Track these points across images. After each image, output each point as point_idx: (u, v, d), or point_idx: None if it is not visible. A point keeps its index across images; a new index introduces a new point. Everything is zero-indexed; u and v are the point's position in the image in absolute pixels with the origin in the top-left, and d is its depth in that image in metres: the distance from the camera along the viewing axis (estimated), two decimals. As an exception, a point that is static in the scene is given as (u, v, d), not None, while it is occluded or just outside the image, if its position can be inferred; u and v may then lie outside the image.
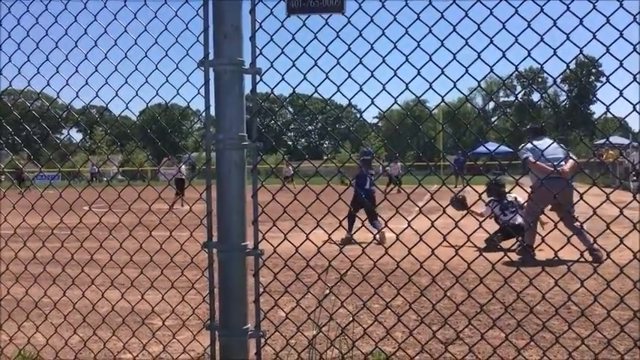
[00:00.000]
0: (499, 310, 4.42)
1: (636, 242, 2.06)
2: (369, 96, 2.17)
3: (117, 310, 2.98)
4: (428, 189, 2.29)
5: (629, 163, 22.45)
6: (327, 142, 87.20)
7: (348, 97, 2.21)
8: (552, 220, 2.37)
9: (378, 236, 8.30)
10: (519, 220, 8.74)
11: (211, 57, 2.09)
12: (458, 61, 2.07)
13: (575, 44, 1.96)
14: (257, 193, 2.17)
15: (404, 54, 2.08)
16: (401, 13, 2.10)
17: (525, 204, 8.23)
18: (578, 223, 6.81)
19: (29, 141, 2.95)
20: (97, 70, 2.44)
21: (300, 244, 2.21)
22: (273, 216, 2.24)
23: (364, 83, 2.14)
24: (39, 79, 2.57)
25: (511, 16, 2.01)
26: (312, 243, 2.22)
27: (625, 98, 1.90)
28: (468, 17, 2.03)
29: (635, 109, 1.87)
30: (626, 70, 1.90)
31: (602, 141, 18.83)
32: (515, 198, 8.88)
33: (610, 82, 2.01)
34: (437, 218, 2.15)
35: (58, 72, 2.50)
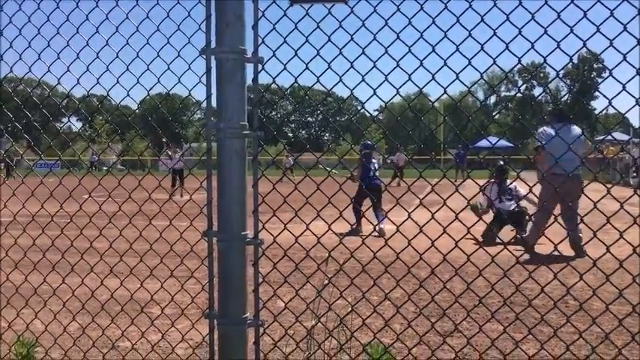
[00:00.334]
0: (498, 304, 4.43)
1: (636, 237, 2.06)
2: (371, 86, 2.15)
3: (116, 298, 2.99)
4: (429, 182, 2.28)
5: (629, 159, 22.43)
6: (327, 134, 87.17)
7: (350, 87, 2.20)
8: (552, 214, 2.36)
9: (377, 228, 8.38)
10: (513, 206, 8.76)
11: (213, 45, 2.07)
12: (461, 53, 2.05)
13: (579, 37, 1.95)
14: (257, 183, 2.17)
15: (407, 45, 2.07)
16: (404, 4, 2.09)
17: (537, 201, 7.73)
18: (577, 219, 6.77)
19: (29, 128, 2.94)
20: (98, 57, 2.42)
21: (300, 235, 2.21)
22: (273, 206, 2.23)
23: (366, 74, 2.14)
24: (39, 65, 2.57)
25: (515, 8, 2.00)
26: (312, 233, 2.22)
27: (628, 92, 1.90)
28: (472, 9, 2.02)
29: (637, 103, 1.86)
30: (630, 64, 1.89)
31: (603, 137, 18.81)
32: (515, 187, 8.87)
33: (613, 76, 2.00)
34: (437, 210, 2.14)
35: (59, 58, 2.49)
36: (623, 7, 1.96)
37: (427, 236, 2.10)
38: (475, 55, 2.08)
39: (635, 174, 19.66)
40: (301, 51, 2.23)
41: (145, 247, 2.79)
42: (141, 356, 3.08)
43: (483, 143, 29.05)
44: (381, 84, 2.13)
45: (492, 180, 9.08)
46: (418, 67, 2.10)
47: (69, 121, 3.61)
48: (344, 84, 2.20)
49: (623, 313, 3.97)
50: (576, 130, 7.15)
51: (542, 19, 1.97)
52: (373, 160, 10.25)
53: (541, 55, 2.01)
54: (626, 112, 2.05)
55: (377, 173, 10.25)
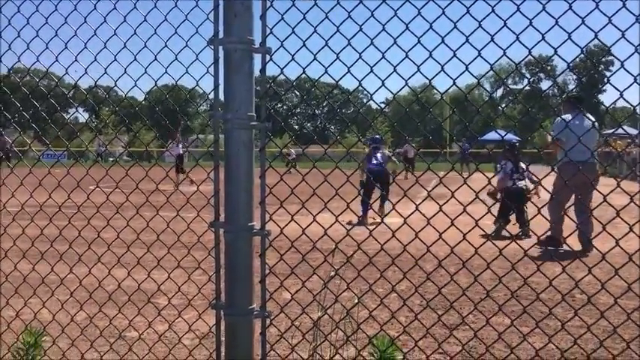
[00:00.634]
0: (504, 297, 4.42)
1: (645, 231, 2.04)
2: (379, 77, 2.14)
3: (123, 289, 3.00)
4: (437, 174, 2.27)
5: (636, 153, 22.29)
6: (333, 127, 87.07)
7: (358, 78, 2.19)
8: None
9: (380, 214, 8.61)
10: (522, 184, 8.70)
11: (221, 35, 2.06)
12: (470, 44, 2.04)
13: (590, 28, 1.93)
14: (265, 174, 2.16)
15: (416, 35, 2.05)
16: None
17: (551, 194, 7.28)
18: (589, 211, 6.67)
19: (36, 119, 2.94)
20: (105, 47, 2.42)
21: (307, 226, 2.21)
22: (280, 198, 2.23)
23: (375, 64, 2.12)
24: (47, 54, 2.56)
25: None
26: (320, 225, 2.22)
27: (640, 84, 1.87)
28: (492, 11, 2.00)
29: (649, 96, 1.84)
30: (642, 56, 1.87)
31: (612, 130, 18.69)
32: (526, 167, 8.81)
33: (625, 68, 1.97)
34: (444, 203, 2.13)
35: (66, 48, 2.48)
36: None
37: (435, 229, 2.09)
38: (485, 46, 2.06)
39: (643, 168, 19.56)
40: (309, 42, 2.22)
41: (152, 238, 2.79)
42: (147, 346, 3.09)
43: (490, 136, 28.93)
44: (389, 75, 2.12)
45: (504, 160, 8.99)
46: (427, 59, 2.08)
47: (76, 111, 3.61)
48: (352, 75, 2.19)
49: (631, 307, 3.96)
50: (589, 118, 7.04)
51: (552, 9, 1.95)
52: (380, 152, 10.63)
53: (552, 47, 1.98)
54: (637, 104, 2.03)
55: (382, 164, 10.51)
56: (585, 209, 6.71)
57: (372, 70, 2.14)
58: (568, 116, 6.91)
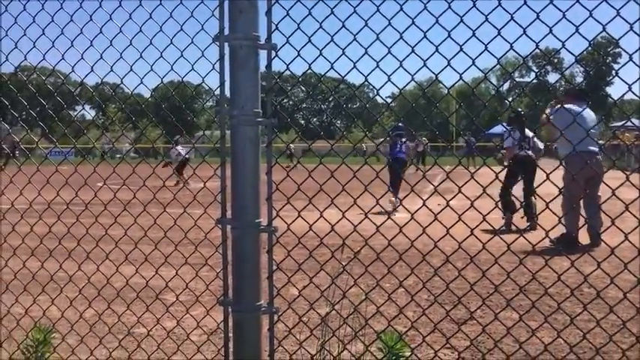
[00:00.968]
0: (512, 292, 4.41)
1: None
2: (385, 73, 2.13)
3: (131, 285, 3.01)
4: (443, 169, 2.27)
5: (645, 146, 22.15)
6: (339, 122, 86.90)
7: (364, 73, 2.18)
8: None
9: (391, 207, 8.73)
10: (530, 153, 8.61)
11: (227, 32, 2.06)
12: (477, 38, 2.03)
13: (598, 21, 1.91)
14: (271, 170, 2.16)
15: (422, 30, 2.04)
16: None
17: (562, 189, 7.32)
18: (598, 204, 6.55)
19: (43, 117, 2.94)
20: (111, 44, 2.42)
21: (314, 222, 2.21)
22: (287, 194, 2.23)
23: (381, 59, 2.11)
24: (53, 53, 2.57)
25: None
26: (327, 221, 2.22)
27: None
28: (499, 4, 1.99)
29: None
30: (651, 48, 1.85)
31: (620, 123, 18.59)
32: (533, 137, 8.72)
33: (633, 61, 1.96)
34: (452, 198, 2.13)
35: (72, 46, 2.49)
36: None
37: (442, 224, 2.09)
38: (492, 40, 2.05)
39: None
40: (315, 37, 2.21)
41: (159, 235, 2.80)
42: (156, 342, 3.10)
43: (497, 130, 28.80)
44: (395, 70, 2.11)
45: (513, 127, 8.87)
46: (434, 53, 2.07)
47: (83, 108, 3.62)
48: (358, 70, 2.18)
49: (640, 301, 3.94)
50: (590, 111, 6.94)
51: (560, 2, 1.94)
52: (403, 140, 11.34)
53: (559, 40, 1.97)
54: (647, 97, 2.01)
55: (405, 153, 11.29)
56: (594, 202, 6.64)
57: (377, 66, 2.13)
58: (570, 106, 6.81)
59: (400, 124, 12.15)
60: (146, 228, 2.79)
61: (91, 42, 2.49)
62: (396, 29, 2.07)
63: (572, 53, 2.08)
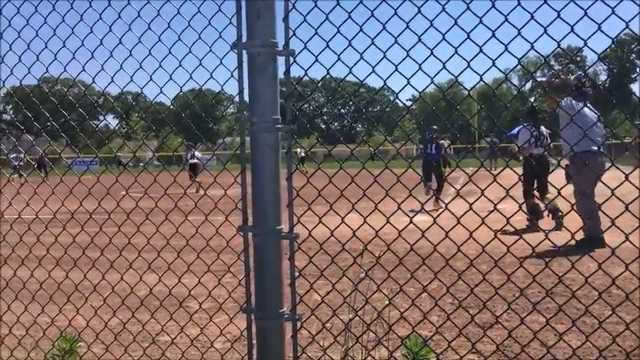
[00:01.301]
0: (538, 294, 4.34)
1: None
2: (404, 76, 2.11)
3: (154, 294, 3.02)
4: (465, 172, 2.24)
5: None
6: (360, 126, 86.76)
7: (383, 77, 2.16)
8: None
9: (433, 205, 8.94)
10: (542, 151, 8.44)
11: (244, 39, 2.06)
12: (497, 39, 2.00)
13: (621, 18, 1.87)
14: (292, 177, 2.15)
15: (440, 32, 2.02)
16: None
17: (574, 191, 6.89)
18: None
19: (67, 127, 2.98)
20: (131, 55, 2.44)
21: (335, 228, 2.20)
22: (307, 199, 2.22)
23: (400, 63, 2.09)
24: (73, 64, 2.59)
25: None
26: (348, 227, 2.20)
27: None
28: (519, 4, 1.96)
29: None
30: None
31: (645, 121, 18.24)
32: (549, 133, 8.57)
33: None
34: (475, 201, 2.10)
35: (93, 57, 2.52)
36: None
37: (465, 228, 2.06)
38: (512, 40, 2.02)
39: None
40: (333, 42, 2.20)
41: (181, 243, 2.81)
42: (180, 350, 3.11)
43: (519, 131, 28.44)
44: (414, 73, 2.10)
45: (528, 123, 8.65)
46: (453, 55, 2.04)
47: (104, 118, 3.66)
48: (377, 74, 2.17)
49: (671, 302, 3.85)
50: (594, 111, 6.80)
51: (581, 2, 1.91)
52: (436, 142, 12.00)
53: (581, 39, 1.93)
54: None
55: (437, 154, 11.86)
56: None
57: (396, 69, 2.11)
58: (575, 103, 6.65)
59: (434, 126, 12.56)
60: (168, 236, 2.81)
61: (111, 53, 2.52)
62: (414, 32, 2.06)
63: (594, 51, 2.04)
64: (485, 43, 1.99)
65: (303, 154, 27.35)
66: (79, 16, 2.52)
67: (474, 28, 2.01)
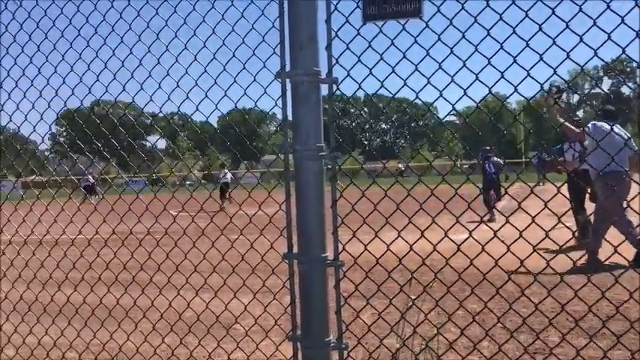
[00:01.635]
0: (592, 319, 4.16)
1: None
2: (449, 102, 2.09)
3: (201, 320, 3.04)
4: (511, 188, 2.18)
5: None
6: (402, 142, 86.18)
7: (428, 101, 2.15)
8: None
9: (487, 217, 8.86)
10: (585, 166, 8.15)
11: (288, 68, 2.08)
12: (544, 62, 1.95)
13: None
14: (336, 204, 2.14)
15: (486, 57, 1.99)
16: (481, 13, 2.01)
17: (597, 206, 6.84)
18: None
19: (119, 149, 3.03)
20: (178, 86, 2.50)
21: (381, 256, 2.17)
22: (352, 222, 2.19)
23: (444, 89, 2.06)
24: (119, 89, 2.67)
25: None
26: (394, 254, 2.17)
27: None
28: (555, 15, 1.93)
29: None
30: None
31: None
32: (585, 150, 8.26)
33: None
34: (526, 227, 2.04)
35: (142, 89, 2.59)
36: None
37: (515, 255, 2.00)
38: (562, 62, 1.96)
39: None
40: (376, 68, 2.20)
41: (225, 264, 2.82)
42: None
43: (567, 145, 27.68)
44: (459, 99, 2.07)
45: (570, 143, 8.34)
46: (499, 80, 2.01)
47: (154, 144, 3.75)
48: (421, 100, 2.15)
49: None
50: (621, 133, 6.65)
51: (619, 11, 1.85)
52: (493, 160, 12.97)
53: (619, 47, 1.86)
54: None
55: (495, 173, 12.80)
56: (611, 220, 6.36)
57: (441, 95, 2.08)
58: (602, 125, 6.53)
59: (487, 147, 13.46)
60: (211, 257, 2.81)
61: (159, 84, 2.59)
62: (458, 57, 2.03)
63: (636, 62, 1.97)
64: (532, 67, 1.95)
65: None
66: (129, 49, 2.60)
67: (521, 51, 1.97)
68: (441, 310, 3.38)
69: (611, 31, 1.87)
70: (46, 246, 3.31)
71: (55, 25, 2.73)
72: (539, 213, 1.96)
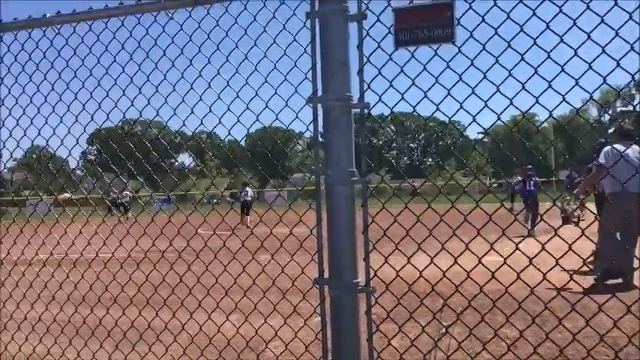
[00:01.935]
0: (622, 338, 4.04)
1: None
2: (482, 126, 2.08)
3: (231, 344, 3.03)
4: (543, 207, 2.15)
5: None
6: (430, 160, 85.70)
7: (461, 125, 2.14)
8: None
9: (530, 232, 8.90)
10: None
11: (320, 93, 2.09)
12: (567, 73, 1.94)
13: None
14: (368, 229, 2.13)
15: (520, 82, 1.97)
16: (515, 40, 2.00)
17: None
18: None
19: (151, 167, 3.06)
20: (210, 111, 2.53)
21: (413, 283, 2.14)
22: (383, 241, 2.17)
23: (477, 114, 2.05)
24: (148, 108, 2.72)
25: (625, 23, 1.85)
26: (426, 280, 2.14)
27: None
28: (577, 27, 1.91)
29: None
30: None
31: None
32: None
33: None
34: (565, 253, 1.99)
35: (175, 114, 2.63)
36: None
37: (551, 283, 1.95)
38: (583, 74, 1.94)
39: None
40: (408, 92, 2.20)
41: (256, 287, 2.81)
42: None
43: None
44: (493, 124, 2.05)
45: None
46: (533, 105, 1.99)
47: (192, 157, 3.78)
48: (454, 125, 2.13)
49: None
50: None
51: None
52: (534, 179, 13.99)
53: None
54: None
55: (533, 190, 13.73)
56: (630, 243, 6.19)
57: (474, 120, 2.06)
58: (619, 146, 6.44)
59: (529, 166, 14.29)
60: (242, 279, 2.81)
61: (192, 109, 2.63)
62: (492, 82, 2.02)
63: None
64: (553, 79, 1.92)
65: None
66: (163, 75, 2.64)
67: (542, 62, 1.95)
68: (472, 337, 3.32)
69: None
70: (79, 268, 3.35)
71: (92, 51, 2.79)
72: (576, 240, 1.92)
